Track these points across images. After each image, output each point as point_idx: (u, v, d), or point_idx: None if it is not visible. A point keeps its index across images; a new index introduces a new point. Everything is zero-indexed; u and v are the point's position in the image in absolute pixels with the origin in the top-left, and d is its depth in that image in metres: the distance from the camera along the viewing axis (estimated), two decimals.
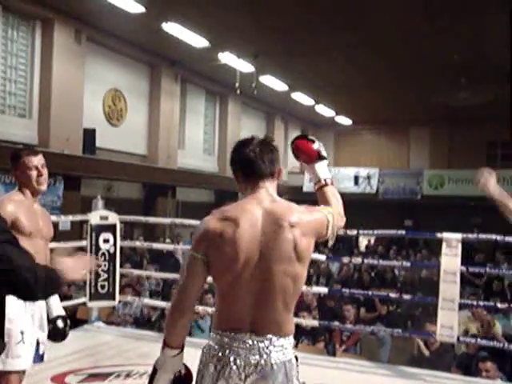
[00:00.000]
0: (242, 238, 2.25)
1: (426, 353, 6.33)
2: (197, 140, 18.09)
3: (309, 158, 2.68)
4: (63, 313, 3.50)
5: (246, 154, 2.40)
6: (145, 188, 15.69)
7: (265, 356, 2.22)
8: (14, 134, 11.19)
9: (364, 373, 5.31)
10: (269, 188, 2.42)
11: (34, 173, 3.28)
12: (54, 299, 3.44)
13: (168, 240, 13.72)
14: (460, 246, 5.12)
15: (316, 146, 2.67)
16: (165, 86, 15.60)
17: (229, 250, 2.25)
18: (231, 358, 2.22)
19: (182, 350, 2.34)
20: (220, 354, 2.24)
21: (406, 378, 5.24)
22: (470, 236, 5.48)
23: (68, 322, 3.50)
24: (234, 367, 2.21)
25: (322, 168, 2.66)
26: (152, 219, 9.25)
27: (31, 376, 4.74)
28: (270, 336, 2.25)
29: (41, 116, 11.87)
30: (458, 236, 5.16)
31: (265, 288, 2.25)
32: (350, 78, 16.17)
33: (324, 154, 2.67)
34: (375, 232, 6.34)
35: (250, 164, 2.39)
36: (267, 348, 2.24)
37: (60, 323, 3.42)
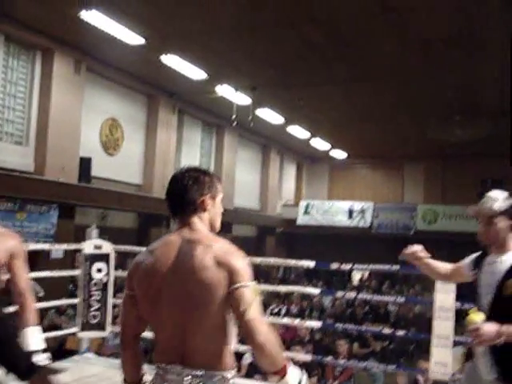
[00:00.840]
0: (155, 267, 2.25)
1: None
2: None
3: None
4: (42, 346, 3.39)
5: (167, 192, 2.39)
6: (139, 217, 15.62)
7: None
8: (10, 161, 11.16)
9: None
10: (196, 223, 2.35)
11: None
12: (32, 331, 3.32)
13: None
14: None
15: None
16: (162, 117, 15.65)
17: (143, 280, 2.26)
18: None
19: None
20: None
21: None
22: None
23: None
24: None
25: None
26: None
27: None
28: (197, 368, 2.19)
29: (37, 144, 11.84)
30: None
31: (186, 317, 2.22)
32: (346, 112, 16.31)
33: None
34: (369, 267, 6.24)
35: (168, 203, 2.39)
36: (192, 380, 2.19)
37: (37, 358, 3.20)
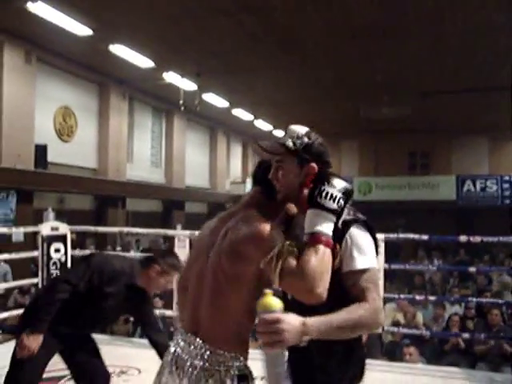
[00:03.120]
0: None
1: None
2: (144, 154, 17.96)
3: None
4: None
5: None
6: (96, 199, 15.45)
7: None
8: None
9: None
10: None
11: None
12: None
13: (119, 248, 13.55)
14: (383, 245, 5.20)
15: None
16: (113, 104, 15.46)
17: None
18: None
19: None
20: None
21: None
22: (391, 236, 5.53)
23: None
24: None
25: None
26: (101, 229, 9.12)
27: None
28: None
29: None
30: (382, 236, 5.22)
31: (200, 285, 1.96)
32: (286, 95, 16.41)
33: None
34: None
35: None
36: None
37: None
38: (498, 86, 14.45)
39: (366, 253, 1.87)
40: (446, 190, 20.69)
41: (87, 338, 3.40)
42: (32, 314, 3.05)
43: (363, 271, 1.83)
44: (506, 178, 20.59)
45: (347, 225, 1.88)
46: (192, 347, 1.90)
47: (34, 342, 2.95)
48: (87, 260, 3.23)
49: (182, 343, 1.95)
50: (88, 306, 3.13)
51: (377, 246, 1.96)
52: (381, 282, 5.11)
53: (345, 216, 1.85)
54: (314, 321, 1.69)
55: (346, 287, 1.83)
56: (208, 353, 1.86)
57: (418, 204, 20.22)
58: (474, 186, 20.69)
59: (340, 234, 1.84)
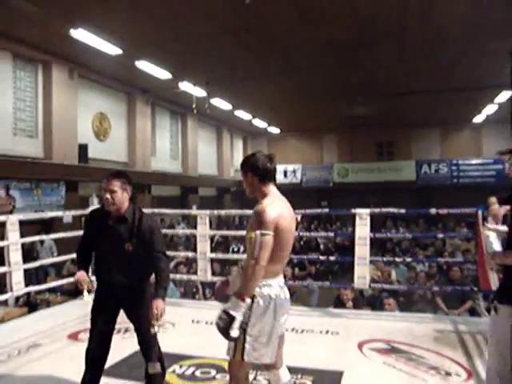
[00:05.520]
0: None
1: (349, 303, 6.17)
2: (165, 149, 17.91)
3: None
4: None
5: (273, 168, 2.68)
6: None
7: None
8: (23, 150, 10.88)
9: (300, 315, 5.34)
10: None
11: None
12: None
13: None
14: (369, 218, 5.20)
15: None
16: (139, 109, 15.38)
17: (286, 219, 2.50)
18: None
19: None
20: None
21: (333, 317, 5.38)
22: (376, 210, 5.49)
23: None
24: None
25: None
26: None
27: (51, 335, 4.72)
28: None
29: (45, 136, 11.52)
30: (367, 211, 5.28)
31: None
32: (278, 98, 16.36)
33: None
34: (301, 211, 5.90)
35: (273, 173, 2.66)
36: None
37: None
38: (449, 88, 14.49)
39: None
40: (408, 172, 20.81)
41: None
42: (159, 285, 2.98)
43: None
44: (454, 161, 20.73)
45: None
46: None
47: (164, 305, 2.95)
48: (157, 226, 3.14)
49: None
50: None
51: None
52: (368, 248, 5.18)
53: None
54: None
55: None
56: None
57: (386, 184, 20.33)
58: (430, 168, 20.81)
59: None
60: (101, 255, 3.07)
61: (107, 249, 3.02)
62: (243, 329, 2.39)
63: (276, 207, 2.45)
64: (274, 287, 2.43)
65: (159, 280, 2.97)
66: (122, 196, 3.00)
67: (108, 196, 2.96)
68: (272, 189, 2.59)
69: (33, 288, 5.87)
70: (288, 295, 2.54)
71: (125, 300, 3.06)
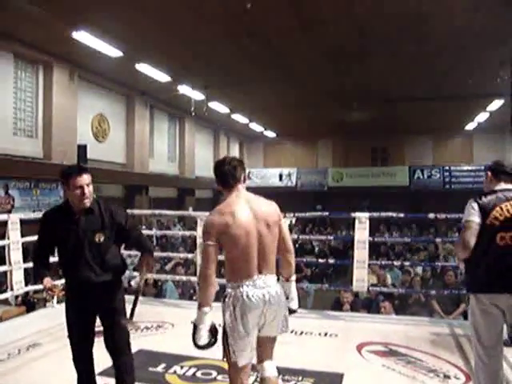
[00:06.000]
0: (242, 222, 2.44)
1: (347, 307, 6.14)
2: (163, 151, 17.85)
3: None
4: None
5: (232, 168, 2.57)
6: (125, 188, 15.38)
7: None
8: (23, 150, 10.81)
9: (299, 318, 5.25)
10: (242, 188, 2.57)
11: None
12: None
13: (143, 226, 13.50)
14: (368, 222, 5.14)
15: None
16: (138, 111, 15.32)
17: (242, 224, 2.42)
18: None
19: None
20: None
21: (331, 319, 5.34)
22: (374, 214, 5.42)
23: None
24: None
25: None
26: (131, 211, 9.06)
27: (51, 334, 4.62)
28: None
29: (44, 136, 11.46)
30: (366, 215, 5.22)
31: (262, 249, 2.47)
32: (275, 103, 16.35)
33: None
34: (296, 214, 5.98)
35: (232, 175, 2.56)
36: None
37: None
38: (442, 96, 14.56)
39: (466, 214, 2.86)
40: (401, 177, 20.85)
41: None
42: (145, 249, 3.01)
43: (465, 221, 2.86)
44: (447, 167, 20.81)
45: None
46: None
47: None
48: (121, 208, 3.18)
49: None
50: None
51: (485, 211, 2.80)
52: (367, 251, 5.13)
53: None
54: None
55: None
56: None
57: (379, 189, 20.36)
58: (423, 174, 20.88)
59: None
60: (70, 255, 2.87)
61: (77, 246, 2.84)
62: (225, 331, 2.43)
63: (219, 214, 2.43)
64: (245, 287, 2.40)
65: (143, 244, 2.99)
66: (91, 189, 2.92)
67: (86, 191, 2.86)
68: (235, 192, 2.53)
69: (33, 287, 5.80)
70: (275, 295, 2.46)
71: (100, 297, 2.90)
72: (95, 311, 2.93)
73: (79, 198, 2.84)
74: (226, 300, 2.43)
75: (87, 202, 2.87)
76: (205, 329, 2.39)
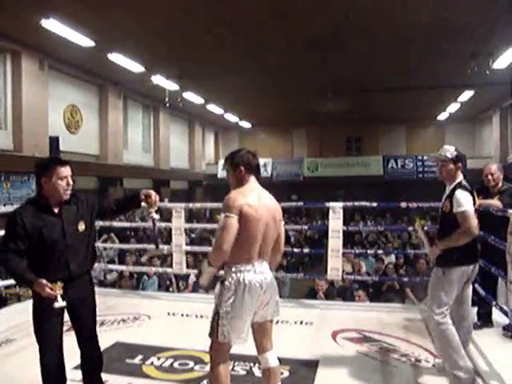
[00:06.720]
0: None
1: (321, 295, 6.27)
2: (137, 142, 17.65)
3: None
4: None
5: (257, 163, 2.82)
6: (99, 180, 15.18)
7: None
8: None
9: None
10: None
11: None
12: None
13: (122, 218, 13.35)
14: (341, 211, 5.21)
15: None
16: (111, 102, 15.09)
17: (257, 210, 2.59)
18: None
19: None
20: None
21: (306, 307, 5.39)
22: (349, 204, 5.43)
23: None
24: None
25: None
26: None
27: (24, 330, 4.57)
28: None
29: (14, 128, 11.19)
30: (340, 204, 5.27)
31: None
32: (249, 93, 16.33)
33: None
34: (280, 204, 6.00)
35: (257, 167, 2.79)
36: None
37: None
38: (415, 86, 14.76)
39: (462, 203, 3.06)
40: (375, 167, 21.11)
41: None
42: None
43: (461, 212, 3.05)
44: (419, 157, 21.14)
45: (455, 188, 3.13)
46: None
47: None
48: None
49: None
50: None
51: (474, 200, 3.13)
52: (341, 240, 5.20)
53: (457, 183, 3.15)
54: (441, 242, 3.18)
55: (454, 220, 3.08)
56: None
57: (354, 178, 20.60)
58: (396, 163, 21.18)
59: (451, 193, 3.13)
60: (49, 251, 2.74)
61: (57, 239, 2.74)
62: (217, 310, 2.56)
63: (242, 195, 2.56)
64: (246, 273, 2.53)
65: (125, 196, 3.18)
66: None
67: (70, 181, 2.81)
68: (251, 181, 2.69)
69: (3, 283, 5.69)
70: (270, 282, 2.62)
71: (76, 293, 2.80)
72: (71, 302, 2.77)
73: (64, 188, 2.78)
74: (226, 283, 2.54)
75: (69, 194, 2.84)
76: (209, 275, 2.58)
